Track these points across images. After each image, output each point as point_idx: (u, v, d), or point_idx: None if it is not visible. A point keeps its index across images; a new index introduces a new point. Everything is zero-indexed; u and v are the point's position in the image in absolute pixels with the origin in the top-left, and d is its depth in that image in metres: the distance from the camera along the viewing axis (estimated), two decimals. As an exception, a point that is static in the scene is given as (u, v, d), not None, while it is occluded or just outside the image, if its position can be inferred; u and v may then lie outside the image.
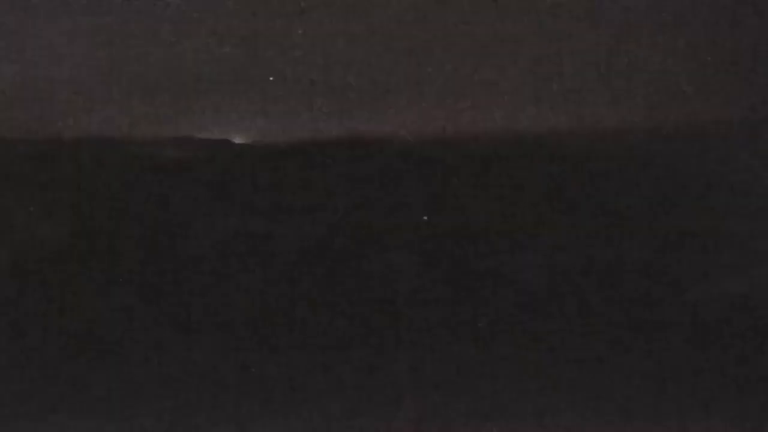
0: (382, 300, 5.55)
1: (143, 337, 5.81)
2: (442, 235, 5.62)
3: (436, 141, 6.30)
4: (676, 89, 5.73)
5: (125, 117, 6.27)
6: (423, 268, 6.04)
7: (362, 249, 6.11)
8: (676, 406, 5.42)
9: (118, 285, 5.75)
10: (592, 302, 6.19)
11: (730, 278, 5.87)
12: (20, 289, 5.82)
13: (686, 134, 6.17)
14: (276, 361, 5.58)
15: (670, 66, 5.40)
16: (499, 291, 5.66)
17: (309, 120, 5.95)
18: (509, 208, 5.54)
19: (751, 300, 5.75)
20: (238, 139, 6.78)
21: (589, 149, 6.91)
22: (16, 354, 5.57)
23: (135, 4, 4.94)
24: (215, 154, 7.08)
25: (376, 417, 5.05)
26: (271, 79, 4.91)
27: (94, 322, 5.78)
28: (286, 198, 5.69)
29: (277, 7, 4.99)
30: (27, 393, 5.40)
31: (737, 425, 5.12)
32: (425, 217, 4.55)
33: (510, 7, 4.68)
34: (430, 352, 5.20)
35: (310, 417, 5.34)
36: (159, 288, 6.19)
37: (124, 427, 5.06)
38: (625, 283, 6.41)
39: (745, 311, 6.05)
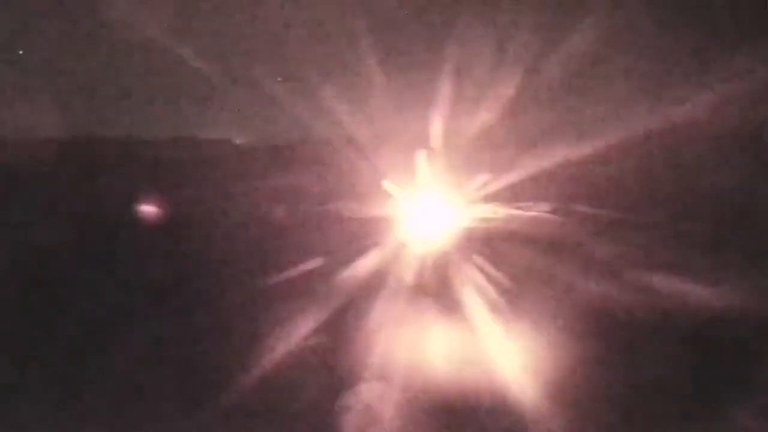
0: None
1: (143, 335, 5.71)
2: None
3: (434, 140, 6.22)
4: (676, 89, 5.66)
5: (125, 117, 6.20)
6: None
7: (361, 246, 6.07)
8: (677, 406, 5.32)
9: (118, 283, 5.69)
10: (589, 299, 6.07)
11: (730, 278, 5.76)
12: (20, 288, 5.75)
13: (686, 134, 6.10)
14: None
15: (671, 66, 5.34)
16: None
17: (308, 120, 5.91)
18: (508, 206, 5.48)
19: (751, 300, 5.61)
20: (238, 139, 6.73)
21: (589, 149, 6.86)
22: (15, 354, 5.46)
23: (135, 5, 4.91)
24: (215, 154, 7.05)
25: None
26: (279, 79, 4.93)
27: (94, 320, 5.69)
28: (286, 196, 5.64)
29: (278, 8, 4.97)
30: (27, 393, 5.31)
31: (737, 424, 5.05)
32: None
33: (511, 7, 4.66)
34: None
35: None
36: (159, 286, 6.10)
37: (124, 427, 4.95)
38: (623, 281, 6.31)
39: (746, 312, 5.90)
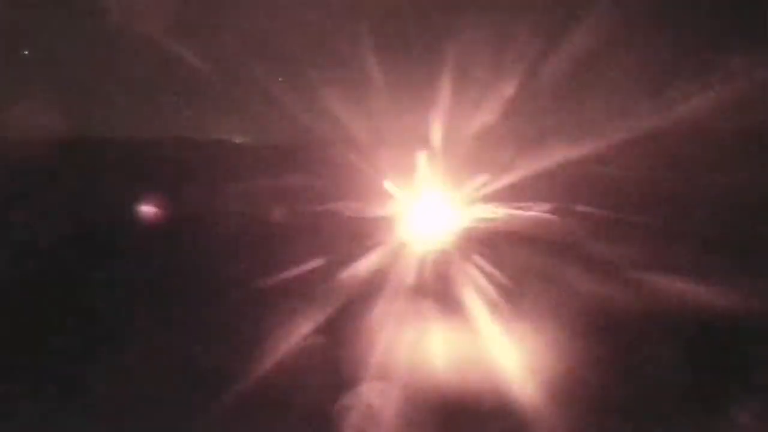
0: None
1: (143, 335, 5.69)
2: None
3: (434, 140, 6.22)
4: (676, 90, 5.65)
5: (126, 117, 6.19)
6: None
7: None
8: (677, 406, 5.32)
9: (118, 283, 5.68)
10: (589, 299, 6.07)
11: (730, 278, 5.75)
12: (20, 288, 5.73)
13: (686, 134, 6.10)
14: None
15: (671, 67, 5.34)
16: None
17: (308, 120, 5.91)
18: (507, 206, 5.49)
19: (751, 299, 5.62)
20: (238, 139, 6.72)
21: (589, 149, 6.85)
22: (15, 354, 5.46)
23: (135, 4, 4.91)
24: (215, 154, 7.05)
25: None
26: (279, 79, 4.96)
27: (94, 320, 5.68)
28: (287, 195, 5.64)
29: (278, 9, 4.98)
30: (27, 392, 5.31)
31: (737, 424, 5.05)
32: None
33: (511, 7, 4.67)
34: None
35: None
36: (160, 286, 6.08)
37: (122, 427, 4.97)
38: (623, 281, 6.31)
39: (746, 312, 5.90)
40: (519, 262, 6.92)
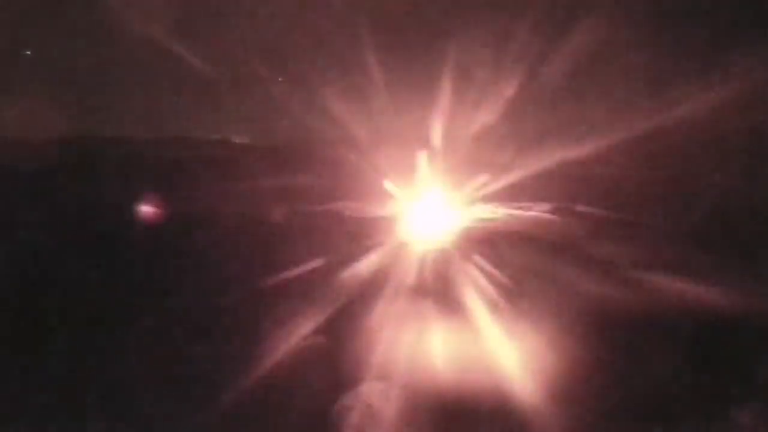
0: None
1: (143, 335, 5.68)
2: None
3: (434, 140, 6.21)
4: (676, 89, 5.64)
5: (125, 117, 6.19)
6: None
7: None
8: (677, 406, 5.31)
9: (118, 283, 5.67)
10: (589, 299, 6.07)
11: (730, 278, 5.75)
12: (20, 288, 5.72)
13: (686, 134, 6.10)
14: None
15: (671, 66, 5.33)
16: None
17: (308, 120, 5.89)
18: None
19: (751, 300, 5.61)
20: (238, 139, 6.71)
21: (588, 150, 6.86)
22: (15, 354, 5.45)
23: (135, 4, 4.91)
24: (215, 154, 7.03)
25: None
26: (280, 79, 4.97)
27: (94, 320, 5.67)
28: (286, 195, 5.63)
29: (278, 9, 4.98)
30: (27, 392, 5.31)
31: (737, 424, 5.04)
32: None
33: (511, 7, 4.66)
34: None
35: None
36: (159, 286, 6.07)
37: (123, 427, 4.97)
38: (623, 281, 6.29)
39: (746, 312, 5.88)
40: (519, 262, 6.93)
